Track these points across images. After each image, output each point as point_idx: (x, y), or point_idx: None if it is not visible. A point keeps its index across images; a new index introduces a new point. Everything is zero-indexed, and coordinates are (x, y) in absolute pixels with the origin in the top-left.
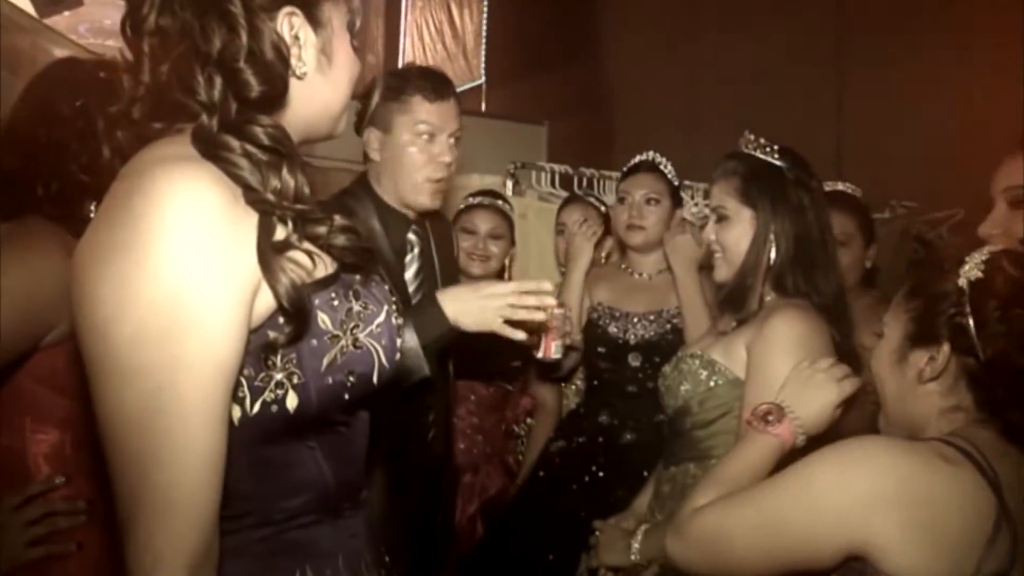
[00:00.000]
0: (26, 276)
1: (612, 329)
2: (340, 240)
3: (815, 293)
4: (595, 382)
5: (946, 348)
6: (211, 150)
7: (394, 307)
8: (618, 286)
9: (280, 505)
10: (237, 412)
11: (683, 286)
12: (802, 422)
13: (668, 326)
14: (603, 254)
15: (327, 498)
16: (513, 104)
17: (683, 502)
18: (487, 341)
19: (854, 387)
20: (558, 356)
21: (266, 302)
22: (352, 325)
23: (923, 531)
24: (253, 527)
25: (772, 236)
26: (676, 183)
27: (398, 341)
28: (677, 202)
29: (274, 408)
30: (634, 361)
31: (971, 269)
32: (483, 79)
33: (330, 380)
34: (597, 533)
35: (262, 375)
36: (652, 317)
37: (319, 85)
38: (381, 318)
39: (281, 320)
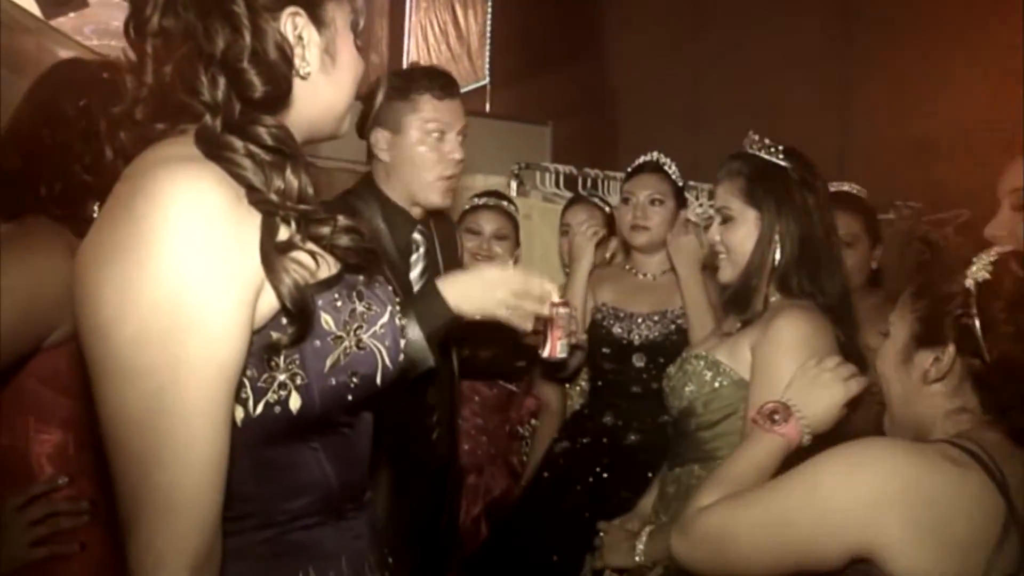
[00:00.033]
0: (28, 276)
1: (616, 330)
2: (343, 241)
3: (820, 294)
4: (599, 383)
5: (951, 349)
6: (214, 150)
7: (398, 308)
8: (622, 287)
9: (283, 506)
10: (240, 413)
11: (687, 287)
12: (808, 421)
13: (672, 327)
14: (607, 255)
15: (330, 499)
16: (517, 105)
17: (688, 503)
18: (492, 340)
19: (861, 386)
20: (563, 355)
21: (269, 303)
22: (355, 326)
23: (930, 533)
24: (256, 528)
25: (777, 237)
26: (680, 184)
27: (401, 342)
28: (681, 203)
29: (277, 409)
30: (638, 362)
31: (979, 270)
32: (487, 80)
33: (333, 381)
34: (601, 534)
35: (265, 376)
36: (656, 318)
37: (323, 85)
38: (384, 319)
39: (284, 321)
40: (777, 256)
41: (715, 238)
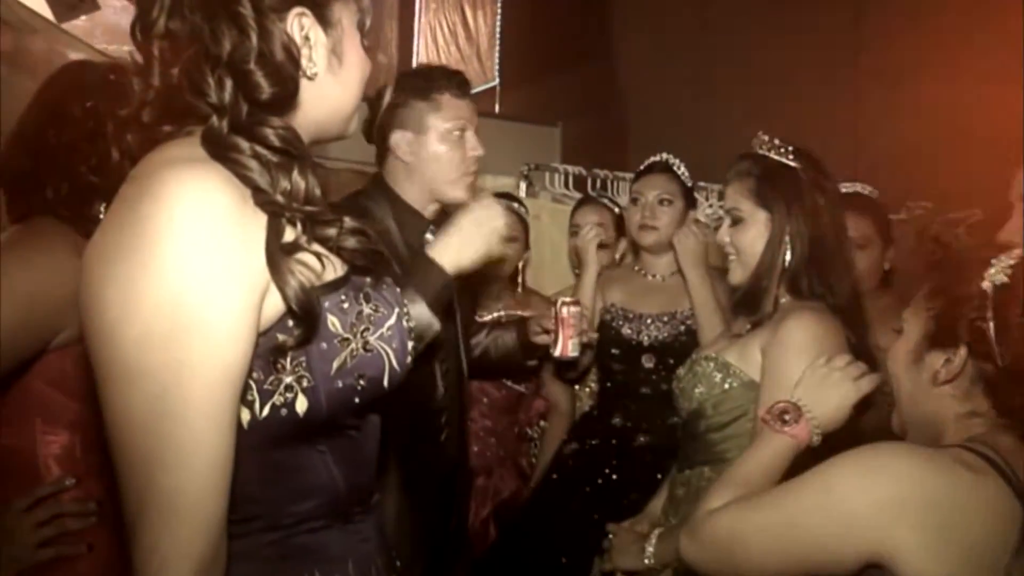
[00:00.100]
0: (34, 277)
1: (626, 330)
2: (350, 242)
3: (830, 295)
4: (608, 384)
5: (963, 351)
6: (220, 151)
7: (405, 310)
8: (631, 287)
9: (289, 509)
10: (246, 415)
11: (693, 287)
12: (819, 421)
13: (682, 327)
14: (617, 255)
15: (337, 502)
16: (527, 106)
17: (697, 505)
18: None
19: (871, 386)
20: (575, 354)
21: (275, 304)
22: (362, 328)
23: (944, 539)
24: (262, 531)
25: (787, 238)
26: (689, 184)
27: (409, 344)
28: (691, 203)
29: (283, 411)
30: (648, 363)
31: (997, 273)
32: (497, 81)
33: (340, 384)
34: (610, 536)
35: (271, 378)
36: (665, 318)
37: (330, 86)
38: (392, 321)
39: (290, 323)
40: (787, 257)
41: (725, 239)
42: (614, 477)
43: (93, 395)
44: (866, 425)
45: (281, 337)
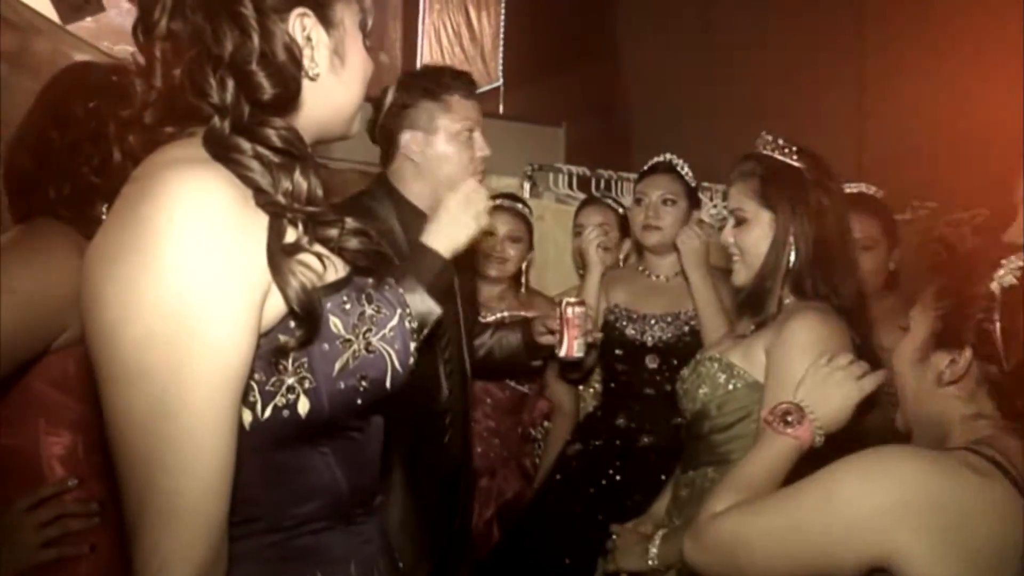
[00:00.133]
0: (36, 278)
1: (629, 331)
2: (352, 243)
3: (834, 295)
4: (612, 384)
5: (968, 353)
6: (222, 152)
7: (408, 311)
8: (635, 288)
9: (291, 511)
10: (248, 417)
11: (696, 288)
12: (821, 423)
13: (685, 328)
14: (621, 256)
15: (340, 504)
16: (531, 106)
17: (701, 507)
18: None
19: (874, 385)
20: (580, 354)
21: (276, 305)
22: (364, 329)
23: (950, 543)
24: (263, 532)
25: (791, 238)
26: (693, 184)
27: (411, 345)
28: (694, 203)
29: (285, 413)
30: (651, 363)
31: (1006, 275)
32: (501, 81)
33: (342, 385)
34: (614, 537)
35: (273, 379)
36: (669, 319)
37: (332, 86)
38: (394, 322)
39: (292, 324)
40: (792, 258)
41: (729, 240)
42: (618, 478)
43: (95, 396)
44: (871, 424)
45: (283, 338)
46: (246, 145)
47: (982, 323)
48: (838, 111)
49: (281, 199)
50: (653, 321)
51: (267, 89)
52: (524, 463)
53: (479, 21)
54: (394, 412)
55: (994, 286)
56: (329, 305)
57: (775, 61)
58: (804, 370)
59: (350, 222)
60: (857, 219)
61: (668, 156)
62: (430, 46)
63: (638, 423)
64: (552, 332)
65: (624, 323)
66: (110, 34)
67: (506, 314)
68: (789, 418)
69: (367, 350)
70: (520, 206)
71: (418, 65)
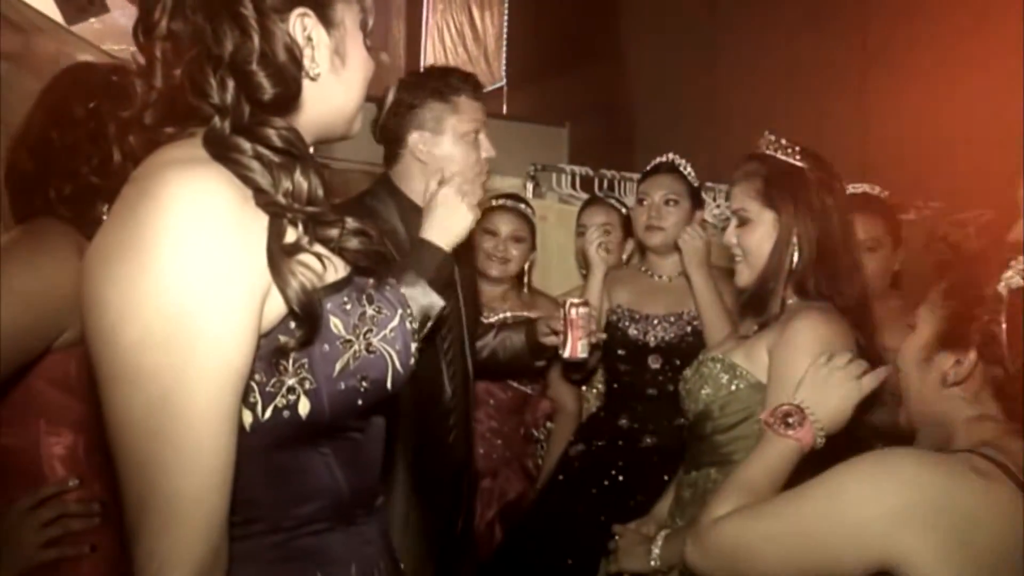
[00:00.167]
0: (36, 278)
1: (632, 331)
2: (353, 243)
3: (838, 296)
4: (615, 385)
5: (972, 355)
6: (222, 152)
7: (408, 311)
8: (638, 288)
9: (292, 511)
10: (249, 418)
11: (697, 287)
12: (822, 424)
13: (688, 328)
14: (624, 256)
15: (340, 505)
16: (534, 106)
17: (703, 508)
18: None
19: (874, 384)
20: (584, 355)
21: (277, 306)
22: (365, 330)
23: (956, 547)
24: (264, 533)
25: (795, 239)
26: (696, 184)
27: (412, 346)
28: (697, 204)
29: (286, 414)
30: (654, 363)
31: (1013, 276)
32: (504, 81)
33: (343, 386)
34: (616, 538)
35: (273, 380)
36: (672, 319)
37: (333, 86)
38: (395, 322)
39: (292, 324)
40: (795, 258)
41: (731, 240)
42: (620, 479)
43: (96, 396)
44: (880, 423)
45: (283, 339)
46: (246, 145)
47: (988, 325)
48: (842, 111)
49: (281, 199)
50: (656, 321)
51: (267, 89)
52: (527, 464)
53: (482, 21)
54: (398, 413)
55: (1001, 288)
56: (329, 306)
57: (779, 61)
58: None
59: (350, 222)
60: (861, 220)
61: (671, 156)
62: (433, 46)
63: (641, 424)
64: (556, 333)
65: (627, 323)
66: (116, 36)
67: (509, 314)
68: (790, 420)
69: (368, 351)
70: (523, 206)
71: (422, 65)
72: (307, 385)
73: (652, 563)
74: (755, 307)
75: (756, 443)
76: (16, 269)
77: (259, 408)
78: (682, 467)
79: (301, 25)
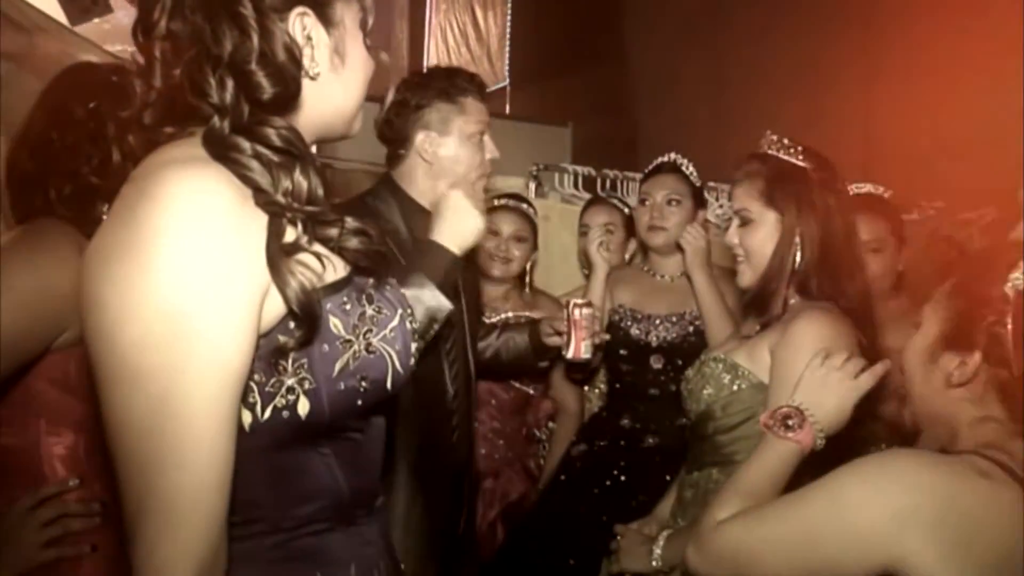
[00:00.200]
0: (36, 278)
1: (634, 331)
2: (352, 242)
3: (841, 296)
4: (617, 385)
5: (977, 357)
6: (222, 152)
7: (409, 311)
8: (640, 288)
9: (292, 512)
10: (248, 418)
11: (699, 287)
12: (822, 425)
13: (690, 328)
14: (626, 256)
15: (340, 506)
16: (537, 106)
17: (705, 508)
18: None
19: (871, 381)
20: (588, 356)
21: (276, 306)
22: (365, 329)
23: (961, 549)
24: (264, 533)
25: (797, 239)
26: (698, 184)
27: (412, 346)
28: (700, 203)
29: (285, 414)
30: (656, 363)
31: (1020, 277)
32: (507, 81)
33: (342, 386)
34: (618, 538)
35: (273, 380)
36: (674, 319)
37: (332, 85)
38: (395, 322)
39: (291, 324)
40: (797, 259)
41: (733, 240)
42: (622, 479)
43: (96, 396)
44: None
45: (282, 339)
46: (246, 144)
47: (993, 326)
48: (845, 110)
49: (281, 198)
50: (658, 321)
51: (267, 89)
52: (528, 464)
53: (485, 21)
54: (399, 413)
55: (1008, 289)
56: (329, 305)
57: (782, 60)
58: None
59: (350, 221)
60: (865, 220)
61: (672, 156)
62: (436, 46)
63: (643, 424)
64: (559, 333)
65: (629, 323)
66: (124, 37)
67: (510, 314)
68: (790, 422)
69: (367, 351)
70: (525, 206)
71: (425, 65)
72: (306, 385)
73: (654, 563)
74: (757, 307)
75: (758, 444)
76: (16, 269)
77: (258, 408)
78: (684, 467)
79: (300, 24)
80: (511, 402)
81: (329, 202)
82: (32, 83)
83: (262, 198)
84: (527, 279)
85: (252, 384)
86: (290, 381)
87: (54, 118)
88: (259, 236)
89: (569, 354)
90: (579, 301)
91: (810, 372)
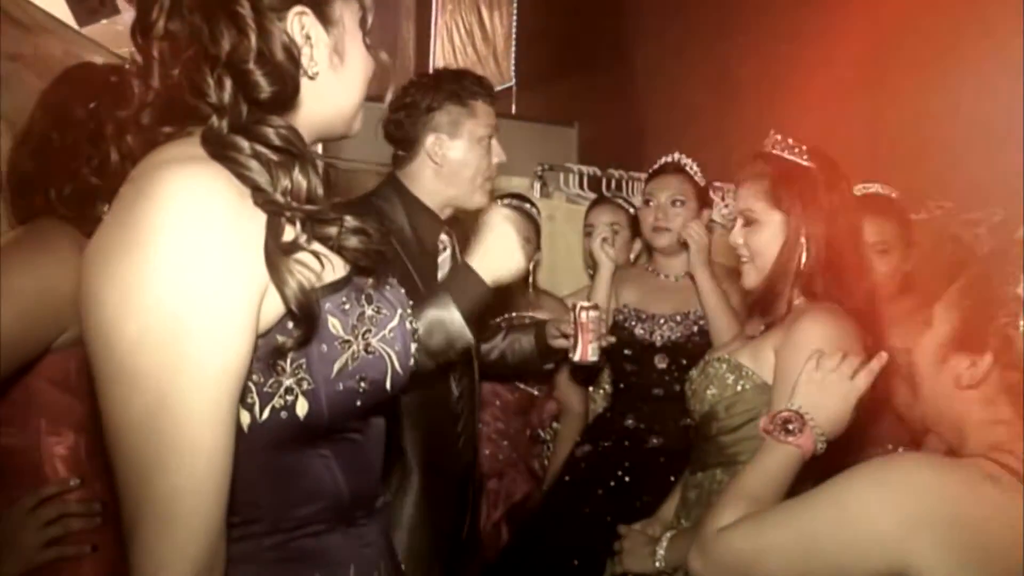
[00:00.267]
0: (36, 277)
1: (638, 331)
2: (352, 242)
3: (846, 297)
4: (621, 385)
5: (988, 358)
6: (220, 151)
7: (408, 311)
8: (644, 288)
9: (291, 513)
10: (246, 418)
11: (703, 286)
12: (822, 429)
13: (695, 328)
14: (631, 256)
15: (340, 506)
16: (543, 106)
17: (707, 514)
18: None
19: (869, 380)
20: (595, 359)
21: (274, 306)
22: (364, 330)
23: (969, 555)
24: (263, 534)
25: (803, 240)
26: (703, 184)
27: (412, 347)
28: (704, 203)
29: (284, 415)
30: (660, 363)
31: None
32: (513, 81)
33: (341, 386)
34: (622, 539)
35: (271, 381)
36: (678, 319)
37: (332, 84)
38: (394, 323)
39: (290, 324)
40: (803, 260)
41: (738, 240)
42: (626, 479)
43: (95, 395)
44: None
45: (280, 339)
46: (244, 144)
47: (1005, 327)
48: (851, 110)
49: (279, 198)
50: (662, 321)
51: (265, 88)
52: (533, 465)
53: (491, 21)
54: (407, 415)
55: (1020, 289)
56: (328, 305)
57: (787, 60)
58: None
59: (349, 221)
60: (872, 221)
61: (677, 156)
62: (443, 46)
63: (647, 424)
64: (566, 336)
65: (633, 323)
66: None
67: (514, 314)
68: (790, 426)
69: (366, 351)
70: (528, 206)
71: (431, 66)
72: (305, 386)
73: (657, 564)
74: (762, 308)
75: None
76: (17, 269)
77: (257, 409)
78: (688, 468)
79: (299, 23)
80: (515, 403)
81: (330, 201)
82: (35, 83)
83: (261, 197)
84: (531, 279)
85: (250, 384)
86: (288, 382)
87: (54, 118)
88: (258, 235)
89: (576, 357)
90: (586, 304)
91: (807, 375)
